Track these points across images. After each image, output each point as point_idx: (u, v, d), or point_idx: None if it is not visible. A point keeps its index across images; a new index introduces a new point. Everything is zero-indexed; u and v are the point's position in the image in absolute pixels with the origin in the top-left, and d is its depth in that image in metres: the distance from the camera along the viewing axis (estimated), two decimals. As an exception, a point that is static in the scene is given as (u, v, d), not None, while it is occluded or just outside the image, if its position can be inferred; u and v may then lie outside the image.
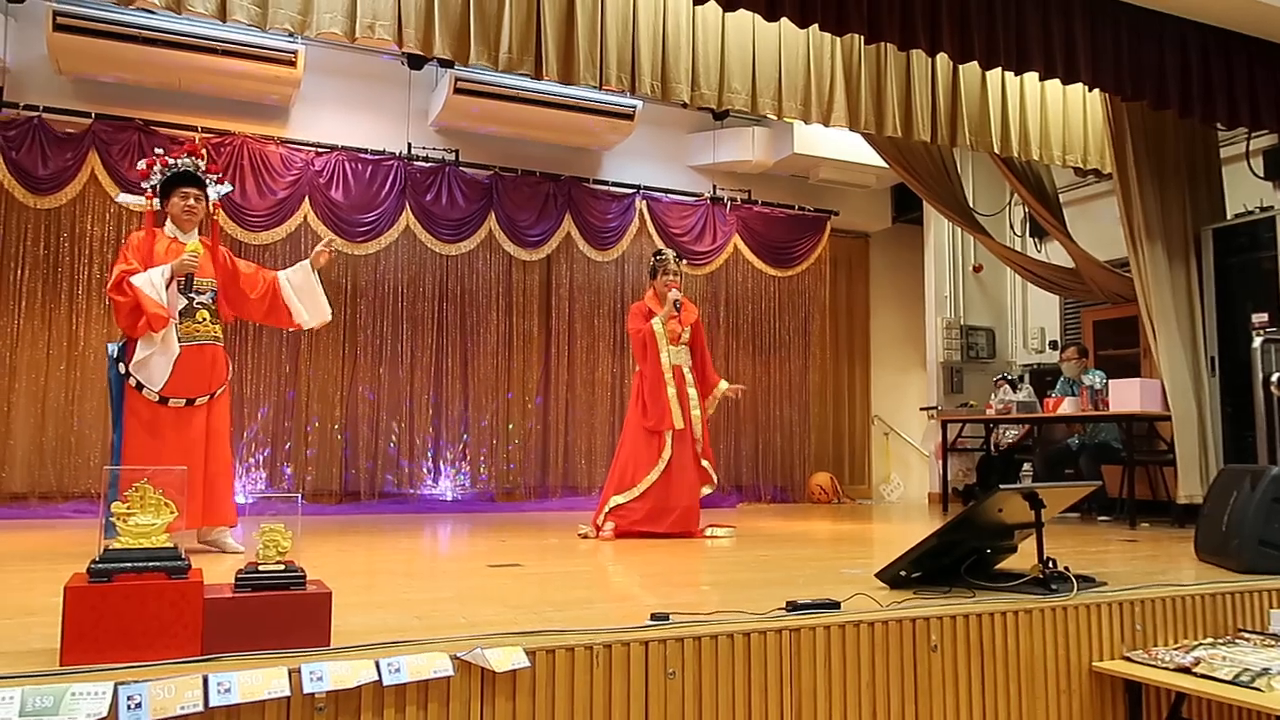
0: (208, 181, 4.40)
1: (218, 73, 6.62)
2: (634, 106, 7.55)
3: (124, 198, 5.10)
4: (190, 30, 6.27)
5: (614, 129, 7.76)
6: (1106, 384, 6.73)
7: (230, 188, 4.86)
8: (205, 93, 6.84)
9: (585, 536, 5.24)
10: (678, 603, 2.80)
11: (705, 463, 5.48)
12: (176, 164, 4.32)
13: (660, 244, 8.31)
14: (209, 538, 4.25)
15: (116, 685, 1.76)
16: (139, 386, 4.11)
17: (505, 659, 2.08)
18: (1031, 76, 5.51)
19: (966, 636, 2.70)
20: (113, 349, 4.21)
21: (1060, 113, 6.25)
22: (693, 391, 5.46)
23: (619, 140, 8.01)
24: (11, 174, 6.36)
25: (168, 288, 4.14)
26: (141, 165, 4.35)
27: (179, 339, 4.17)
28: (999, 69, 5.20)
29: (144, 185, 4.33)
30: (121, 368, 4.13)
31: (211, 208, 4.48)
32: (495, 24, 4.61)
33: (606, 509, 5.26)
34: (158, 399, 4.11)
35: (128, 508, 2.06)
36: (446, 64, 6.91)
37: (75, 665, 1.88)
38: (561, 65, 4.74)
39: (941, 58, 5.40)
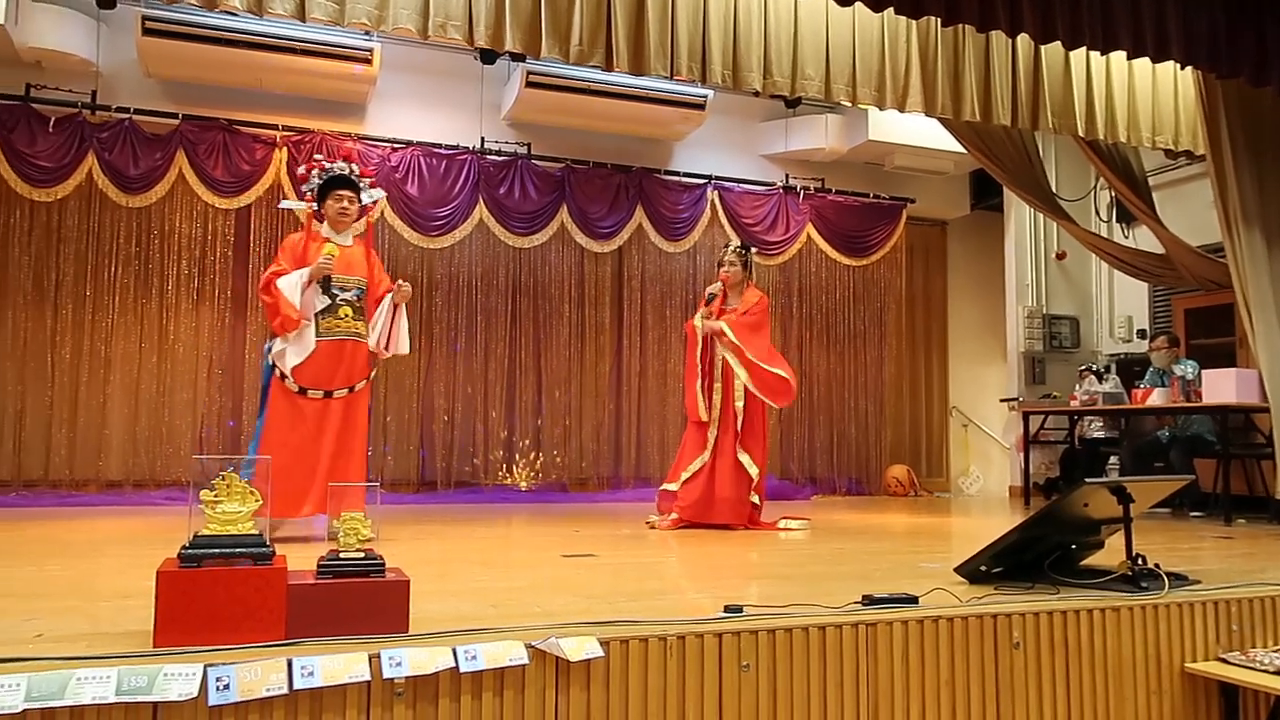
0: (361, 186, 4.63)
1: (297, 72, 6.78)
2: (705, 96, 7.51)
3: (286, 203, 5.40)
4: (270, 31, 6.44)
5: (685, 119, 7.73)
6: (1199, 374, 6.48)
7: (382, 193, 5.06)
8: (285, 92, 7.01)
9: (651, 526, 5.31)
10: (751, 595, 2.78)
11: (744, 455, 5.34)
12: (332, 168, 4.57)
13: (732, 234, 8.27)
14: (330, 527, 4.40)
15: (206, 667, 1.82)
16: (283, 376, 4.36)
17: (579, 648, 2.09)
18: (1118, 55, 5.30)
19: (1051, 634, 2.62)
20: (269, 346, 4.49)
21: (1149, 92, 6.01)
22: (739, 385, 5.38)
23: (690, 130, 7.97)
24: (105, 174, 6.61)
25: (306, 289, 4.36)
26: (301, 170, 4.64)
27: (318, 333, 4.39)
28: (1083, 48, 5.02)
29: (303, 189, 4.60)
30: (270, 360, 4.40)
31: (366, 211, 4.70)
32: (566, 17, 4.63)
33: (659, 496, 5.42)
34: (297, 389, 4.35)
35: (215, 495, 2.12)
36: (518, 58, 6.96)
37: (167, 647, 1.94)
38: (632, 56, 4.73)
39: (1022, 38, 5.23)
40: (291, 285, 4.33)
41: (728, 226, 8.22)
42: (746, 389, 5.35)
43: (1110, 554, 3.08)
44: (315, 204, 4.59)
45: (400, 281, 4.69)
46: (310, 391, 4.37)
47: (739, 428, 5.35)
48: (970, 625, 2.53)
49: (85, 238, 6.74)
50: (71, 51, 6.49)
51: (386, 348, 4.68)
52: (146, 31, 6.33)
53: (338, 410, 4.42)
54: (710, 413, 5.39)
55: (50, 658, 1.84)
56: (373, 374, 4.65)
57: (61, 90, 6.58)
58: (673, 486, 5.40)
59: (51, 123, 6.52)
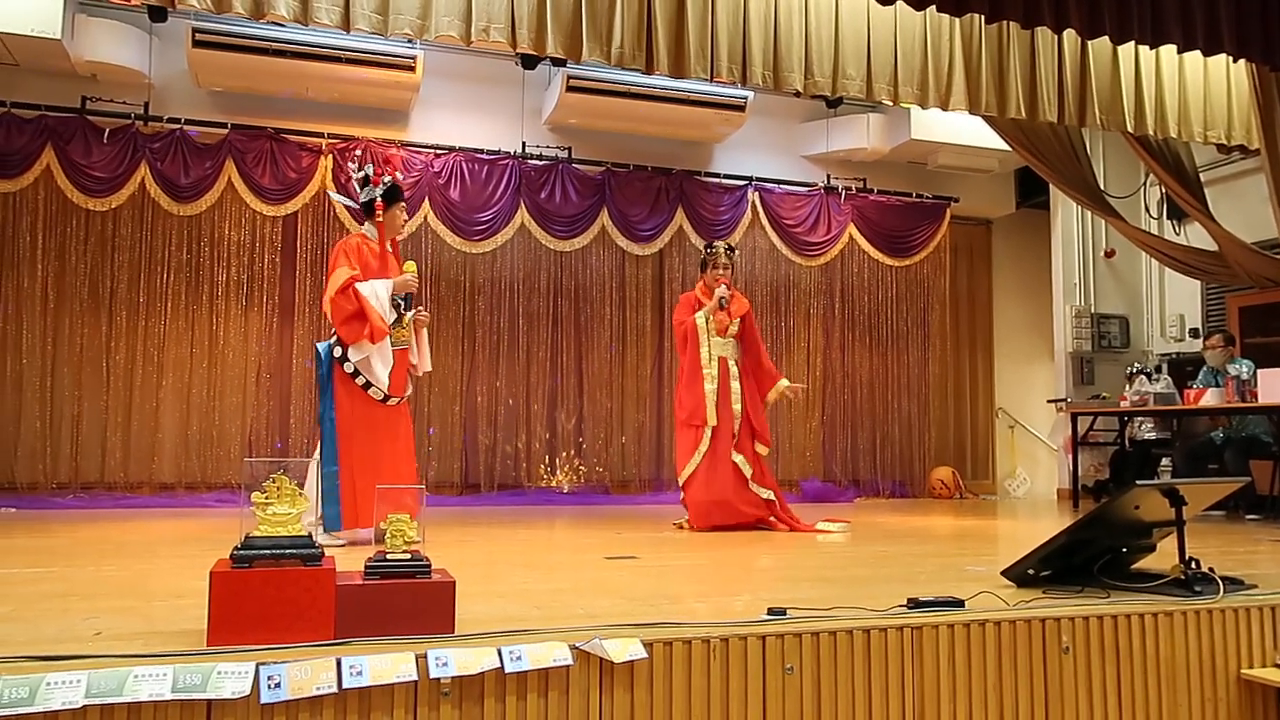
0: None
1: (342, 80, 6.89)
2: (745, 98, 7.49)
3: (338, 197, 5.44)
4: (316, 41, 6.55)
5: (725, 121, 7.72)
6: (1255, 374, 6.32)
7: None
8: (331, 100, 7.13)
9: (680, 527, 5.37)
10: (795, 598, 2.77)
11: (738, 456, 5.31)
12: (396, 177, 4.62)
13: (774, 236, 8.24)
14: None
15: (258, 666, 1.86)
16: (366, 385, 4.35)
17: (623, 650, 2.10)
18: (1168, 49, 5.20)
19: (1101, 638, 2.58)
20: (323, 348, 4.43)
21: (1200, 86, 5.88)
22: (736, 385, 5.40)
23: (730, 132, 7.96)
24: (157, 183, 6.77)
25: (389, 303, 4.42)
26: (370, 171, 4.56)
27: (391, 344, 4.45)
28: (1132, 43, 4.93)
29: (374, 192, 4.53)
30: (348, 366, 4.34)
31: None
32: (606, 20, 4.65)
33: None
34: (383, 397, 4.38)
35: (266, 498, 2.16)
36: (559, 63, 7.01)
37: (220, 646, 1.99)
38: (672, 59, 4.74)
39: (1069, 33, 5.16)
40: (376, 296, 4.33)
41: (769, 228, 8.20)
42: (744, 393, 5.40)
43: (1162, 557, 3.01)
44: (380, 209, 4.51)
45: (420, 309, 4.78)
46: (392, 399, 4.42)
47: (735, 430, 5.35)
48: (1018, 629, 2.49)
49: (138, 246, 6.91)
50: (125, 64, 6.66)
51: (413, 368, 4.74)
52: (197, 43, 6.48)
53: (404, 415, 4.56)
54: (724, 414, 5.40)
55: (109, 655, 1.89)
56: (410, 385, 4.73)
57: (115, 102, 6.76)
58: (682, 493, 5.48)
59: (106, 134, 6.70)
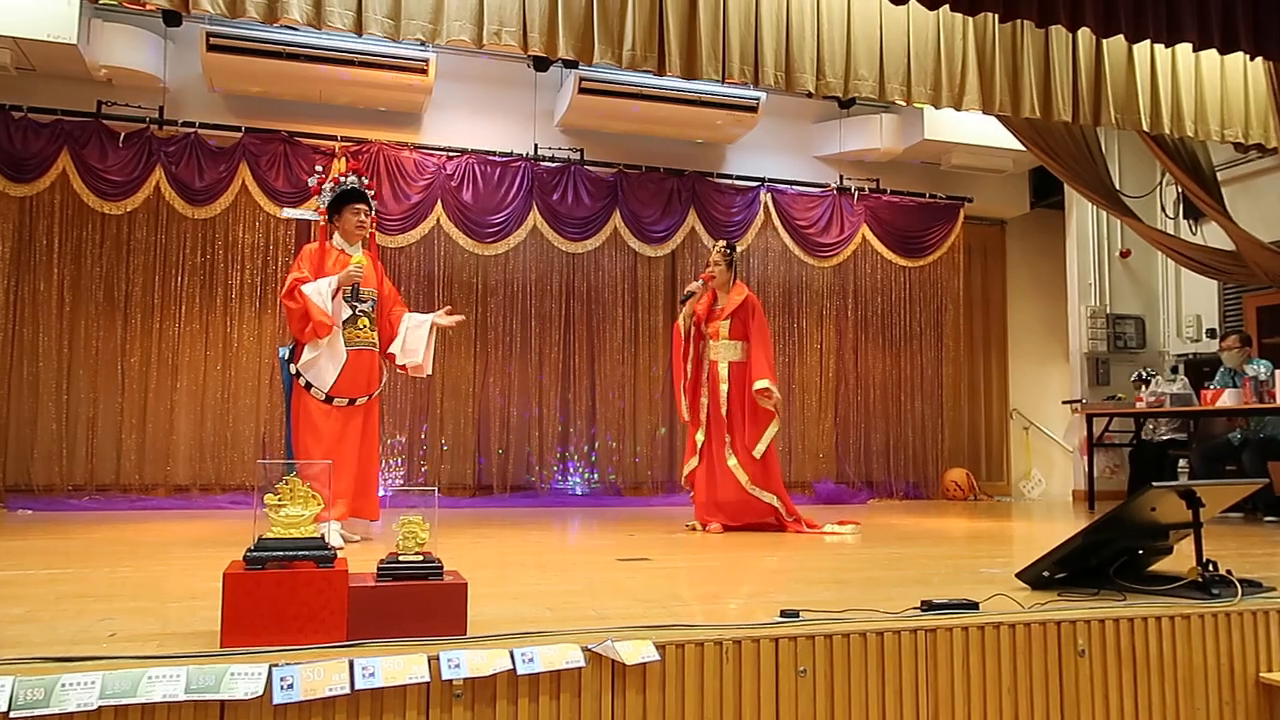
0: (370, 198, 4.69)
1: (355, 84, 6.92)
2: (757, 99, 7.48)
3: (289, 212, 5.42)
4: (329, 44, 6.58)
5: (737, 122, 7.71)
6: (1273, 374, 6.27)
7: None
8: (343, 103, 7.16)
9: (692, 529, 5.38)
10: (808, 600, 2.76)
11: (732, 459, 5.31)
12: (346, 181, 4.59)
13: (786, 237, 8.22)
14: (353, 529, 4.49)
15: (271, 667, 1.86)
16: (308, 386, 4.40)
17: (635, 652, 2.10)
18: (1184, 47, 5.16)
19: (1117, 642, 2.56)
20: (284, 352, 4.53)
21: (1217, 84, 5.83)
22: (724, 388, 5.38)
23: (743, 133, 7.95)
24: (172, 187, 6.82)
25: (334, 297, 4.41)
26: (312, 182, 4.62)
27: (345, 344, 4.45)
28: (1147, 41, 4.90)
29: (317, 201, 4.59)
30: (293, 369, 4.43)
31: (373, 223, 4.76)
32: (618, 22, 4.65)
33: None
34: (324, 398, 4.39)
35: (279, 499, 2.17)
36: (571, 65, 7.02)
37: (234, 647, 1.99)
38: (684, 60, 4.73)
39: (1083, 32, 5.12)
40: (318, 292, 4.35)
41: (781, 229, 8.19)
42: (730, 394, 5.36)
43: (1180, 560, 2.99)
44: (327, 216, 4.58)
45: (449, 309, 4.81)
46: (336, 400, 4.41)
47: (727, 431, 5.35)
48: (1033, 632, 2.48)
49: (153, 249, 6.95)
50: (140, 68, 6.70)
51: (409, 367, 4.71)
52: (211, 47, 6.51)
53: (359, 418, 4.50)
54: (697, 415, 5.44)
55: (124, 656, 1.90)
56: (383, 383, 4.69)
57: (130, 106, 6.80)
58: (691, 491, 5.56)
59: (121, 138, 6.75)
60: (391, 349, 4.69)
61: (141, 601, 2.74)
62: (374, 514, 4.56)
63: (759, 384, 5.26)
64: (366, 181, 4.69)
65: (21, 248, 6.70)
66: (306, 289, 4.35)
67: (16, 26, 6.03)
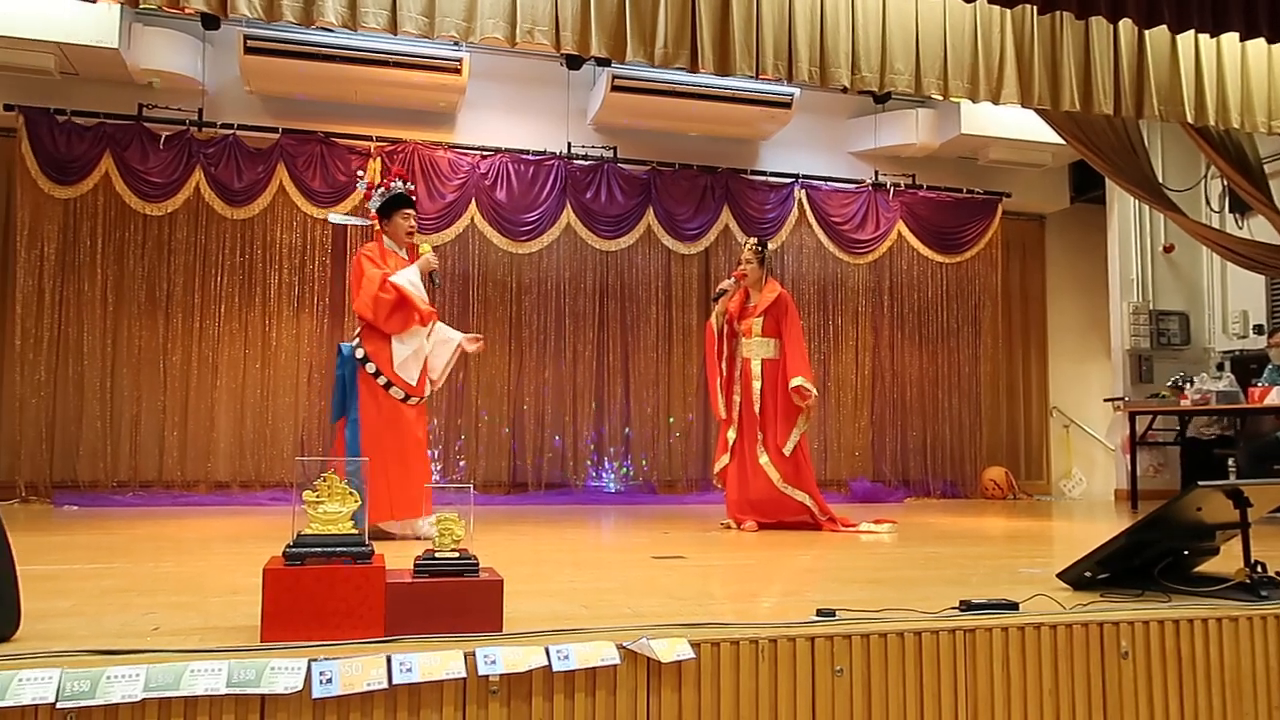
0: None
1: (390, 84, 6.97)
2: (791, 94, 7.44)
3: (335, 217, 5.57)
4: (364, 45, 6.64)
5: (771, 118, 7.67)
6: (1323, 371, 6.12)
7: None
8: (378, 103, 7.21)
9: (727, 526, 5.37)
10: (844, 599, 2.74)
11: (764, 457, 5.28)
12: (394, 186, 4.71)
13: (821, 233, 8.17)
14: (422, 530, 4.56)
15: (310, 661, 1.88)
16: (387, 385, 4.47)
17: (670, 650, 2.09)
18: (1230, 37, 5.05)
19: (1162, 644, 2.51)
20: (347, 348, 4.58)
21: (1264, 74, 5.69)
22: (757, 386, 5.36)
23: (776, 130, 7.91)
24: (211, 188, 6.92)
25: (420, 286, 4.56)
26: (361, 188, 4.80)
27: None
28: (1191, 31, 4.80)
29: (367, 205, 4.74)
30: (371, 367, 4.47)
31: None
32: (651, 20, 4.64)
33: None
34: (403, 397, 4.49)
35: (317, 496, 2.19)
36: (603, 62, 7.02)
37: (273, 642, 2.01)
38: (717, 57, 4.71)
39: (1125, 23, 5.03)
40: (412, 282, 4.50)
41: (815, 225, 8.13)
42: (763, 391, 5.34)
43: (1226, 560, 2.92)
44: (379, 220, 4.71)
45: (476, 336, 4.93)
46: (412, 399, 4.54)
47: (759, 429, 5.32)
48: (1074, 633, 2.43)
49: (193, 249, 7.06)
50: (180, 71, 6.81)
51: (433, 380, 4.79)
52: (248, 50, 6.59)
53: (423, 416, 4.68)
54: (730, 411, 5.41)
55: (167, 650, 1.93)
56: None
57: (170, 109, 6.92)
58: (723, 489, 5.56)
59: (162, 140, 6.86)
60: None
61: (183, 596, 2.79)
62: (429, 509, 4.68)
63: (795, 381, 5.23)
64: (410, 186, 4.82)
65: (66, 249, 6.83)
66: (398, 280, 4.47)
67: (60, 32, 6.16)
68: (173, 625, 2.30)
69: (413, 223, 4.72)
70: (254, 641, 2.04)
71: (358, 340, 4.55)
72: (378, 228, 4.74)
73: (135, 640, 2.07)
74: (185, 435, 6.95)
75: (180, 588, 2.96)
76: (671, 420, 7.85)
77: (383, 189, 4.68)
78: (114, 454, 6.82)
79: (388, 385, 4.48)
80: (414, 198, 4.80)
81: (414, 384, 4.52)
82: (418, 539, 4.41)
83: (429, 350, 4.68)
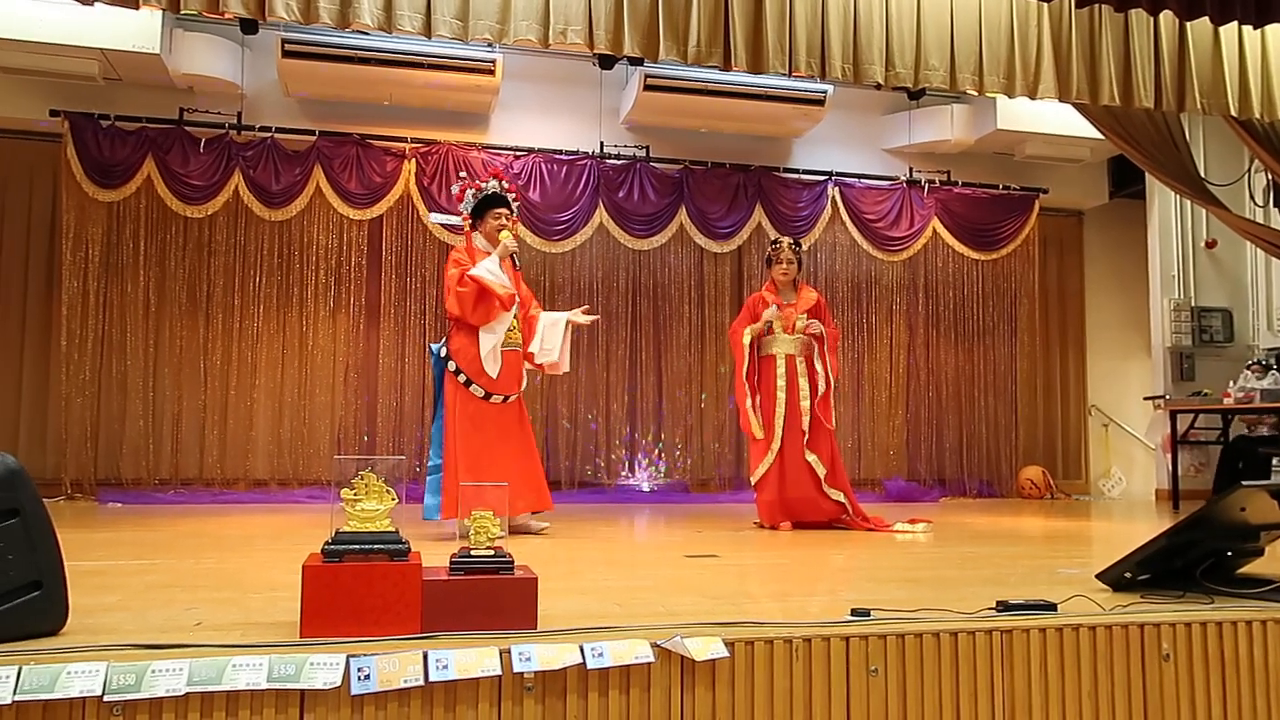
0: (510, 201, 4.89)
1: (424, 86, 7.03)
2: (824, 91, 7.40)
3: (436, 217, 5.67)
4: (399, 48, 6.70)
5: (804, 116, 7.64)
6: (1372, 369, 5.98)
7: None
8: (413, 105, 7.28)
9: (760, 525, 5.34)
10: (879, 599, 2.72)
11: (811, 456, 5.24)
12: (486, 187, 4.80)
13: (854, 231, 8.12)
14: (516, 522, 4.63)
15: (348, 658, 1.91)
16: (467, 383, 4.57)
17: (704, 648, 2.09)
18: (1274, 28, 4.95)
19: (1205, 646, 2.47)
20: (437, 348, 4.71)
21: (1310, 66, 5.58)
22: (804, 383, 5.31)
23: (809, 127, 7.87)
24: (250, 190, 7.02)
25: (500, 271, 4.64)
26: (455, 190, 4.88)
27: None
28: (1234, 23, 4.71)
29: (460, 208, 4.85)
30: (451, 365, 4.59)
31: (513, 224, 4.92)
32: (683, 18, 4.64)
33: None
34: (484, 395, 4.57)
35: (355, 494, 2.21)
36: (636, 62, 7.03)
37: (313, 638, 2.05)
38: (750, 55, 4.70)
39: (1165, 15, 4.95)
40: (490, 271, 4.57)
41: (849, 223, 8.09)
42: (814, 395, 5.30)
43: (1271, 562, 2.87)
44: (471, 221, 4.81)
45: (588, 308, 5.02)
46: (493, 397, 4.60)
47: (806, 428, 5.27)
48: (1114, 635, 2.40)
49: (232, 251, 7.17)
50: (219, 75, 6.91)
51: (546, 365, 4.89)
52: (286, 54, 6.68)
53: (514, 412, 4.72)
54: (770, 430, 5.31)
55: (209, 645, 1.96)
56: (524, 383, 4.86)
57: (210, 113, 7.03)
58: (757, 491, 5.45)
59: (202, 144, 6.97)
60: (530, 348, 4.84)
61: (225, 592, 2.83)
62: (548, 504, 4.79)
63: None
64: (507, 185, 4.88)
65: (109, 251, 6.96)
66: (476, 272, 4.55)
67: (104, 38, 6.28)
68: (215, 620, 2.34)
69: (504, 220, 4.76)
70: (293, 637, 2.07)
71: (444, 340, 4.69)
72: (467, 228, 4.83)
73: (179, 635, 2.12)
74: (225, 433, 7.07)
75: (222, 584, 3.02)
76: (703, 398, 7.83)
77: (475, 190, 4.77)
78: (156, 452, 6.94)
79: (468, 383, 4.57)
80: (511, 195, 4.86)
81: (495, 378, 4.57)
82: (528, 533, 4.56)
83: (540, 334, 4.78)
